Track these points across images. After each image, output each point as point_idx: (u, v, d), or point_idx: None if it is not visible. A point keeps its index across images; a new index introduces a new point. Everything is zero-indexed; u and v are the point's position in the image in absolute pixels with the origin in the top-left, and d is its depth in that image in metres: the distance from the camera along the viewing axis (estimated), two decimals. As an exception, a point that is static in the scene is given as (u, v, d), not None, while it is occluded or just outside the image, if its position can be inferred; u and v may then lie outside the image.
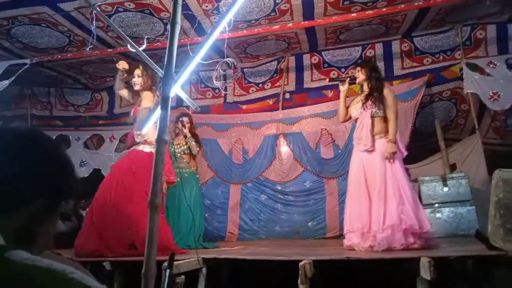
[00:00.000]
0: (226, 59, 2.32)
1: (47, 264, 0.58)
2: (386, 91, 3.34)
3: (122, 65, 3.62)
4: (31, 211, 0.70)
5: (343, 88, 3.52)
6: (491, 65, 4.81)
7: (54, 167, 0.76)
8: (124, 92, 3.87)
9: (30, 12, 4.11)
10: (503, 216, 2.28)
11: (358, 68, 3.47)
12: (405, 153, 3.38)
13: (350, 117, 3.54)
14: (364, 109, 3.34)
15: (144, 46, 2.63)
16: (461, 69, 4.94)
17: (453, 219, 4.22)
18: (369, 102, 3.32)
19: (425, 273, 2.16)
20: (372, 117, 3.29)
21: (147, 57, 2.49)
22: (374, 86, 3.34)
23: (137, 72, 3.69)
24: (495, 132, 5.30)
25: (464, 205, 4.23)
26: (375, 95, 3.30)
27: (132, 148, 3.67)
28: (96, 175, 5.89)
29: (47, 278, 0.57)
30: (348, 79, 3.55)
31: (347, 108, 3.53)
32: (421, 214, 3.10)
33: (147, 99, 3.63)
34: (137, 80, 3.67)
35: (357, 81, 3.47)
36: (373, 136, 3.29)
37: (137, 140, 3.62)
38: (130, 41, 2.56)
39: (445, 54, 5.20)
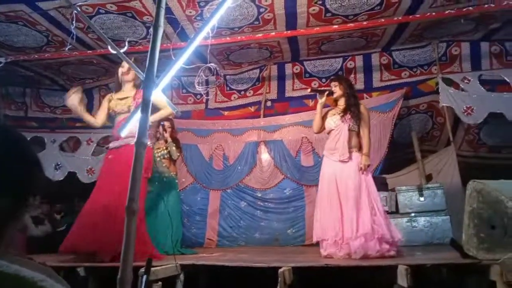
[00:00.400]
0: (209, 64, 2.31)
1: (15, 270, 0.54)
2: (362, 108, 3.50)
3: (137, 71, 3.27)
4: None
5: (321, 100, 3.59)
6: (465, 81, 5.00)
7: (19, 163, 0.71)
8: (105, 105, 3.65)
9: (6, 9, 3.99)
10: (477, 225, 2.34)
11: (336, 83, 3.58)
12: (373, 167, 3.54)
13: (324, 129, 3.63)
14: (342, 121, 3.45)
15: (125, 48, 2.59)
16: (437, 83, 5.11)
17: (429, 228, 4.32)
18: (348, 116, 3.42)
19: (402, 280, 2.20)
20: (349, 130, 3.41)
21: (128, 60, 2.46)
22: (352, 102, 3.48)
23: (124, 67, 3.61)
24: (469, 144, 5.50)
25: (439, 215, 4.34)
26: (352, 111, 3.43)
27: (125, 143, 3.38)
28: (71, 179, 5.73)
29: (14, 286, 0.52)
30: (327, 92, 3.62)
31: (322, 119, 3.62)
32: (391, 225, 3.26)
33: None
34: (128, 71, 3.57)
35: (335, 95, 3.57)
36: (349, 148, 3.38)
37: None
38: (111, 43, 2.52)
39: (422, 68, 5.37)
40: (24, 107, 6.22)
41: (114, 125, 3.57)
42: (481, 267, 2.29)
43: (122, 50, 2.34)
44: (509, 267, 1.95)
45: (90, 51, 4.80)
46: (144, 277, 1.92)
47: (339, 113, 3.49)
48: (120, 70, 3.63)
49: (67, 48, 3.55)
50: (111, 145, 3.57)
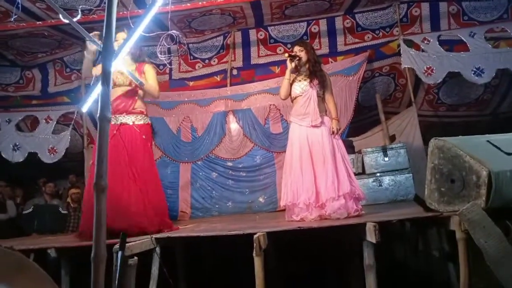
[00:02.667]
0: (171, 32, 2.20)
1: None
2: (325, 74, 3.52)
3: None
4: None
5: (291, 65, 3.51)
6: (425, 42, 5.12)
7: None
8: (98, 70, 3.38)
9: None
10: (438, 180, 2.47)
11: (301, 48, 3.52)
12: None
13: (290, 95, 3.61)
14: (311, 87, 3.43)
15: (78, 17, 2.42)
16: (398, 45, 5.20)
17: (393, 187, 4.54)
18: (316, 82, 3.43)
19: (371, 236, 2.31)
20: (317, 96, 3.42)
21: (83, 29, 2.30)
22: (317, 68, 3.47)
23: (123, 35, 3.16)
24: (429, 104, 5.72)
25: (403, 173, 4.56)
26: (319, 76, 3.44)
27: (120, 123, 3.21)
28: (33, 159, 5.48)
29: None
30: (298, 58, 3.55)
31: (290, 85, 3.57)
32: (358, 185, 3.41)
33: (151, 73, 3.27)
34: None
35: (302, 60, 3.50)
36: (320, 113, 3.39)
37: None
38: (62, 11, 2.33)
39: (384, 30, 5.43)
40: (-28, 86, 5.79)
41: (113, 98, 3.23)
42: (442, 219, 2.45)
43: (74, 19, 2.18)
44: (466, 216, 2.08)
45: (40, 22, 4.46)
46: (119, 253, 1.91)
47: (306, 79, 3.49)
48: (116, 44, 3.29)
49: (12, 19, 3.25)
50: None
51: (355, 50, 5.43)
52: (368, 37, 5.45)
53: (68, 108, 5.72)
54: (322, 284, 2.43)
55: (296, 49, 3.54)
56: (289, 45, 5.61)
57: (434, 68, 4.97)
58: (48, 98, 5.85)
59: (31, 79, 5.91)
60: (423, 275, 3.33)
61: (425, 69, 4.98)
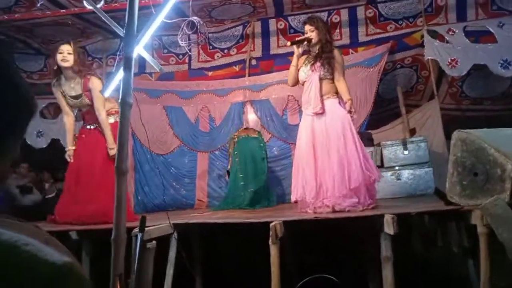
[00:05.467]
0: (191, 18, 2.21)
1: None
2: (336, 52, 3.25)
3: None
4: None
5: (298, 51, 3.31)
6: (450, 32, 4.97)
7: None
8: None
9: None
10: (460, 173, 2.42)
11: (312, 28, 3.25)
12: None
13: (298, 81, 3.42)
14: (312, 71, 3.23)
15: (101, 4, 2.46)
16: (422, 36, 5.06)
17: (412, 181, 4.45)
18: (318, 64, 3.22)
19: (389, 228, 2.29)
20: (321, 79, 3.21)
21: (107, 16, 2.34)
22: (326, 49, 3.22)
23: (66, 48, 3.18)
24: (452, 97, 5.57)
25: (423, 167, 4.46)
26: (323, 57, 3.20)
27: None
28: (56, 145, 5.63)
29: None
30: (306, 41, 3.30)
31: (298, 70, 3.38)
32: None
33: (98, 87, 3.24)
34: (68, 57, 3.18)
35: (313, 42, 3.25)
36: (321, 97, 3.19)
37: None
38: (87, -2, 2.39)
39: (408, 20, 5.28)
40: (-2, 73, 5.96)
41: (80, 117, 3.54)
42: (463, 213, 2.40)
43: (98, 6, 2.22)
44: (489, 210, 2.04)
45: (64, 10, 4.54)
46: (139, 235, 1.95)
47: (310, 62, 3.27)
48: (60, 56, 3.17)
49: (38, 4, 3.31)
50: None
51: (377, 40, 5.32)
52: (391, 27, 5.32)
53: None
54: (338, 275, 2.42)
55: (307, 28, 3.29)
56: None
57: (459, 60, 4.82)
58: (71, 86, 5.98)
59: (54, 67, 6.04)
60: (441, 270, 3.28)
61: (449, 61, 4.83)
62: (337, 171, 2.99)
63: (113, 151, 3.17)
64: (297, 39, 3.33)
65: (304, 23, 3.38)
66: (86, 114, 3.41)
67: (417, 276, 3.02)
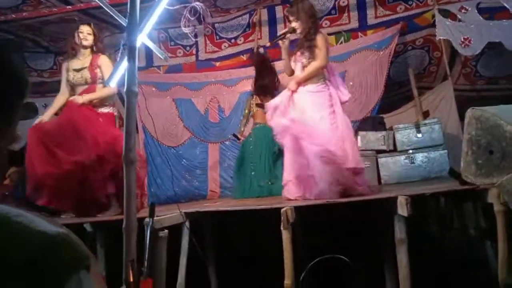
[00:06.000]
0: (194, 3, 2.18)
1: None
2: (318, 37, 3.08)
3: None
4: None
5: (284, 44, 3.21)
6: (463, 10, 4.81)
7: None
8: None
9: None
10: (475, 152, 2.35)
11: (293, 17, 3.13)
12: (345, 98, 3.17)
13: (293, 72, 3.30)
14: (295, 61, 3.16)
15: (105, -5, 2.45)
16: (433, 16, 4.92)
17: (426, 164, 4.37)
18: (298, 53, 3.13)
19: (402, 210, 2.25)
20: (304, 67, 3.11)
21: (109, 5, 2.33)
22: (309, 37, 3.07)
23: (86, 28, 3.35)
24: (466, 78, 5.42)
25: (437, 150, 4.38)
26: (305, 46, 3.08)
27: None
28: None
29: None
30: (288, 34, 3.20)
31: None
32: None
33: (109, 67, 3.25)
34: (88, 37, 3.33)
35: (298, 31, 3.15)
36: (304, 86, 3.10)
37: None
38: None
39: (418, 0, 5.14)
40: (10, 72, 6.05)
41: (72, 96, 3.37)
42: (479, 192, 2.34)
43: (102, -2, 2.21)
44: (506, 187, 1.98)
45: (70, 7, 4.56)
46: (150, 221, 1.96)
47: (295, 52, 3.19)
48: (80, 35, 3.32)
49: (45, 3, 3.33)
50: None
51: (386, 22, 5.18)
52: (401, 8, 5.18)
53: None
54: (351, 259, 2.40)
55: (291, 18, 3.17)
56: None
57: (472, 39, 4.67)
58: (81, 82, 6.03)
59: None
60: (458, 252, 3.23)
61: (462, 40, 4.69)
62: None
63: (79, 99, 3.18)
64: (278, 35, 3.24)
65: (287, 12, 3.29)
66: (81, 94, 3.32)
67: (432, 259, 2.98)
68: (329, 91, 3.10)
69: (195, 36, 5.53)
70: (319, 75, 3.12)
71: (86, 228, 2.82)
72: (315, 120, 2.92)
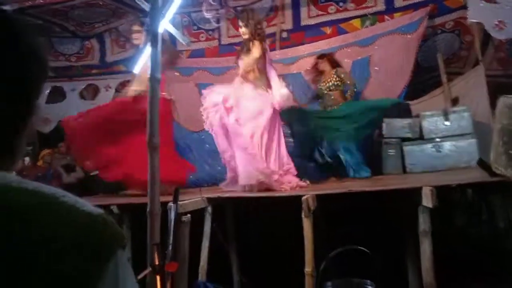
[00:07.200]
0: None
1: (35, 187, 0.50)
2: (254, 45, 3.46)
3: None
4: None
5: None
6: (499, -10, 4.55)
7: (17, 56, 0.55)
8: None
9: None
10: (506, 143, 2.26)
11: (242, 24, 3.52)
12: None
13: None
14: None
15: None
16: (465, -3, 4.68)
17: (454, 153, 4.22)
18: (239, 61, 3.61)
19: (427, 201, 2.20)
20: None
21: (135, -8, 2.33)
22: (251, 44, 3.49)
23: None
24: (499, 63, 5.17)
25: (466, 138, 4.21)
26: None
27: None
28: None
29: (33, 201, 0.47)
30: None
31: None
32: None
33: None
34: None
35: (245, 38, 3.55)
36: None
37: None
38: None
39: (449, -19, 4.91)
40: (39, 57, 6.22)
41: None
42: (509, 185, 2.25)
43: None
44: (540, 181, 1.90)
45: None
46: (174, 206, 2.00)
47: None
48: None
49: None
50: None
51: (414, 5, 4.98)
52: (431, -11, 4.96)
53: (125, 77, 5.96)
54: (373, 249, 2.38)
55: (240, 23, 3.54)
56: (340, 4, 5.29)
57: (507, 22, 4.42)
58: (107, 67, 6.14)
59: (90, 49, 6.22)
60: (485, 244, 3.14)
61: (496, 23, 4.44)
62: None
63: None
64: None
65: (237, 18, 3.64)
66: None
67: (458, 250, 2.91)
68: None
69: (217, 21, 5.49)
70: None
71: (113, 210, 2.91)
72: None
